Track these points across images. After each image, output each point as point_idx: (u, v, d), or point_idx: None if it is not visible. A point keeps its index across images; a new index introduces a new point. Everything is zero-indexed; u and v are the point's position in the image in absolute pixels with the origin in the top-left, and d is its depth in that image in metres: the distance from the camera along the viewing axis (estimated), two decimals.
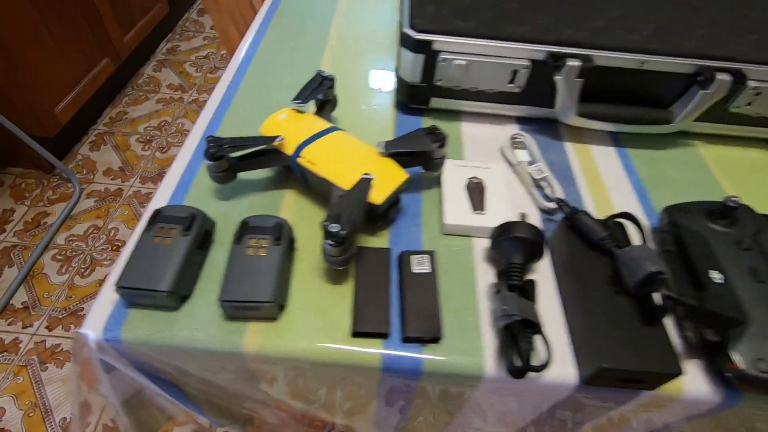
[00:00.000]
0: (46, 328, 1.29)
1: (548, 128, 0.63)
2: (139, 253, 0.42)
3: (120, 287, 0.40)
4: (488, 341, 0.42)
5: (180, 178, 0.54)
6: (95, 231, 1.51)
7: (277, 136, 0.48)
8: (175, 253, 0.42)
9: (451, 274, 0.47)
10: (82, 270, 1.41)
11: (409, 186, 0.50)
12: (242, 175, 0.54)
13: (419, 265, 0.45)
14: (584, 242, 0.45)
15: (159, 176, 1.68)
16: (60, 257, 1.44)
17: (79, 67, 1.67)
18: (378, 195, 0.45)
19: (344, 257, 0.41)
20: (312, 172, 0.47)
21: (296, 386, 0.47)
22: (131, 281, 0.40)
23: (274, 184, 0.54)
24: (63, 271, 1.41)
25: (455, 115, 0.64)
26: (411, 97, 0.62)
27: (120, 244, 1.48)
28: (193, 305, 0.43)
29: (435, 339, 0.42)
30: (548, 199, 0.53)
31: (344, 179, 0.45)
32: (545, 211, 0.53)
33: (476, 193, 0.52)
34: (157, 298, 0.41)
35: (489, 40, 0.55)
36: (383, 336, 0.42)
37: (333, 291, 0.45)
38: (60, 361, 1.23)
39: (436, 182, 0.55)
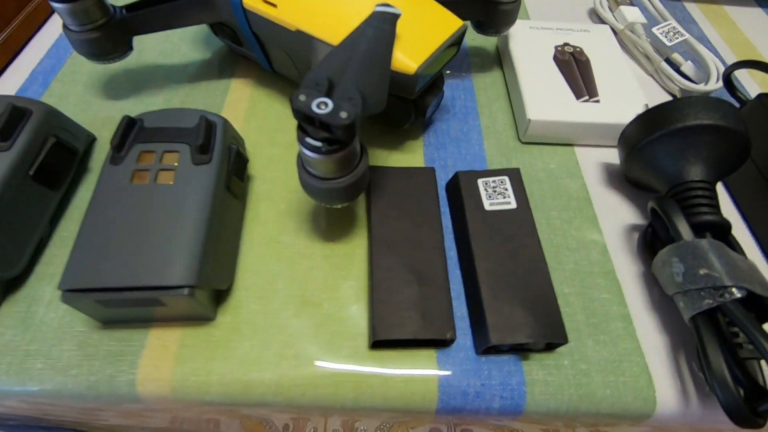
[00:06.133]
0: None
1: None
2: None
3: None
4: (650, 339, 0.21)
5: (37, 65, 0.31)
6: None
7: None
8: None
9: (547, 210, 0.25)
10: None
11: (457, 52, 0.27)
12: (153, 58, 0.31)
13: (494, 197, 0.23)
14: None
15: None
16: None
17: None
18: (410, 57, 0.22)
19: (348, 179, 0.19)
20: (273, 23, 0.24)
21: None
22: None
23: (210, 72, 0.30)
24: None
25: None
26: None
27: None
28: (26, 294, 0.21)
29: (553, 346, 0.20)
30: (688, 77, 0.31)
31: (337, 30, 0.22)
32: None
33: (575, 69, 0.29)
34: None
35: None
36: (443, 344, 0.20)
37: (329, 260, 0.23)
38: None
39: (497, 57, 0.33)
